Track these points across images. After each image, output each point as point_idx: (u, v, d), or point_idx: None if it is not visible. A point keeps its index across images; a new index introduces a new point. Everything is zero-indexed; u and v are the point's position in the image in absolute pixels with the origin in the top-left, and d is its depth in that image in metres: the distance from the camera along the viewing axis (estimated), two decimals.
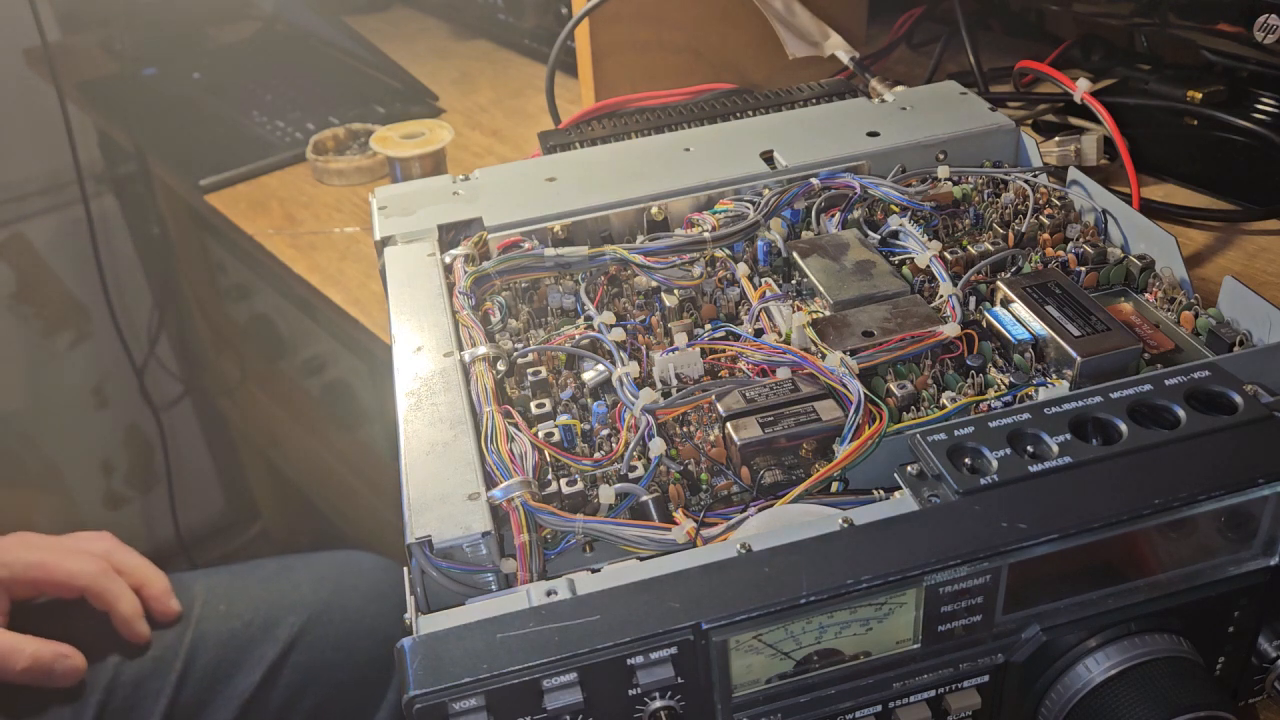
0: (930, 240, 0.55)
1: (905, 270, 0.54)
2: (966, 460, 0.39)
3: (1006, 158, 0.64)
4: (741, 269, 0.55)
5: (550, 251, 0.56)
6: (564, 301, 0.55)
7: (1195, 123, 0.80)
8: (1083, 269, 0.53)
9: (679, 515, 0.42)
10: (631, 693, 0.35)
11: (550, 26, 1.12)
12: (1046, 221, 0.57)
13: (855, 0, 1.00)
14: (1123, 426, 0.40)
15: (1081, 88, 0.69)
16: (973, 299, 0.52)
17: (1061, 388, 0.45)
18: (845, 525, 0.38)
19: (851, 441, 0.42)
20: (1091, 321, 0.48)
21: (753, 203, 0.59)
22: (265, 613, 0.77)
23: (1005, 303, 0.51)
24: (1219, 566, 0.40)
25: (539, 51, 1.14)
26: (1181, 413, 0.40)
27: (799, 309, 0.52)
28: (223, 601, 0.78)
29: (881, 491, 0.42)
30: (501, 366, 0.50)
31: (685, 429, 0.47)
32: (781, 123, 0.68)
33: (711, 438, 0.46)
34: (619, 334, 0.51)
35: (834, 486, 0.42)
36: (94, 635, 0.73)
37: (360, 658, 0.77)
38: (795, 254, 0.55)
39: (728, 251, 0.57)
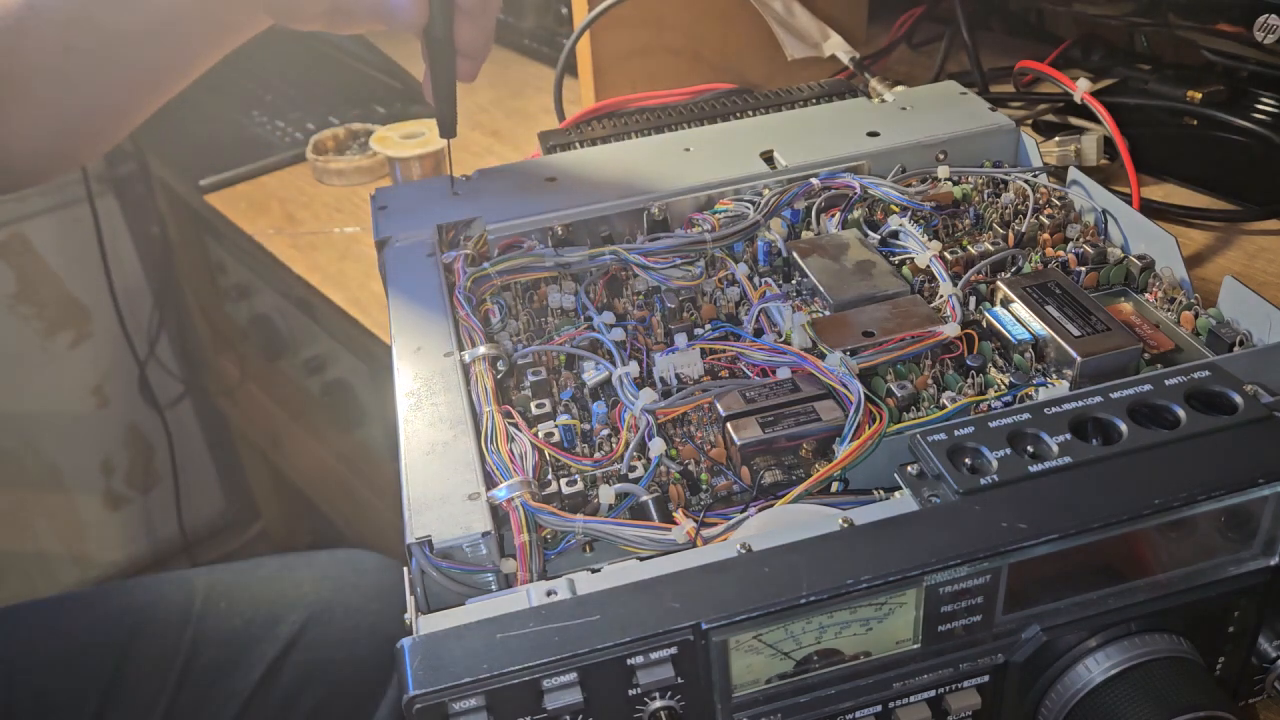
0: (930, 240, 0.55)
1: (905, 270, 0.54)
2: (966, 460, 0.39)
3: (1006, 158, 0.64)
4: (741, 269, 0.55)
5: (550, 251, 0.56)
6: (564, 301, 0.55)
7: (1195, 123, 0.80)
8: (1083, 269, 0.53)
9: (679, 515, 0.42)
10: (631, 693, 0.35)
11: (550, 26, 1.12)
12: (1046, 221, 0.57)
13: (855, 0, 1.00)
14: (1123, 426, 0.40)
15: (1081, 88, 0.69)
16: (973, 299, 0.52)
17: (1061, 388, 0.45)
18: (845, 525, 0.38)
19: (851, 441, 0.42)
20: (1091, 321, 0.48)
21: (753, 203, 0.59)
22: (266, 611, 0.78)
23: (1005, 303, 0.51)
24: (1219, 566, 0.40)
25: (539, 51, 1.14)
26: (1181, 413, 0.40)
27: (799, 309, 0.52)
28: (224, 599, 0.78)
29: (881, 491, 0.42)
30: (501, 366, 0.50)
31: (685, 429, 0.47)
32: (781, 123, 0.68)
33: (711, 438, 0.46)
34: (619, 334, 0.51)
35: (834, 486, 0.42)
36: (95, 630, 0.73)
37: (361, 656, 0.77)
38: (795, 254, 0.55)
39: (728, 251, 0.57)
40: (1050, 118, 0.79)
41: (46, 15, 0.58)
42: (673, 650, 0.35)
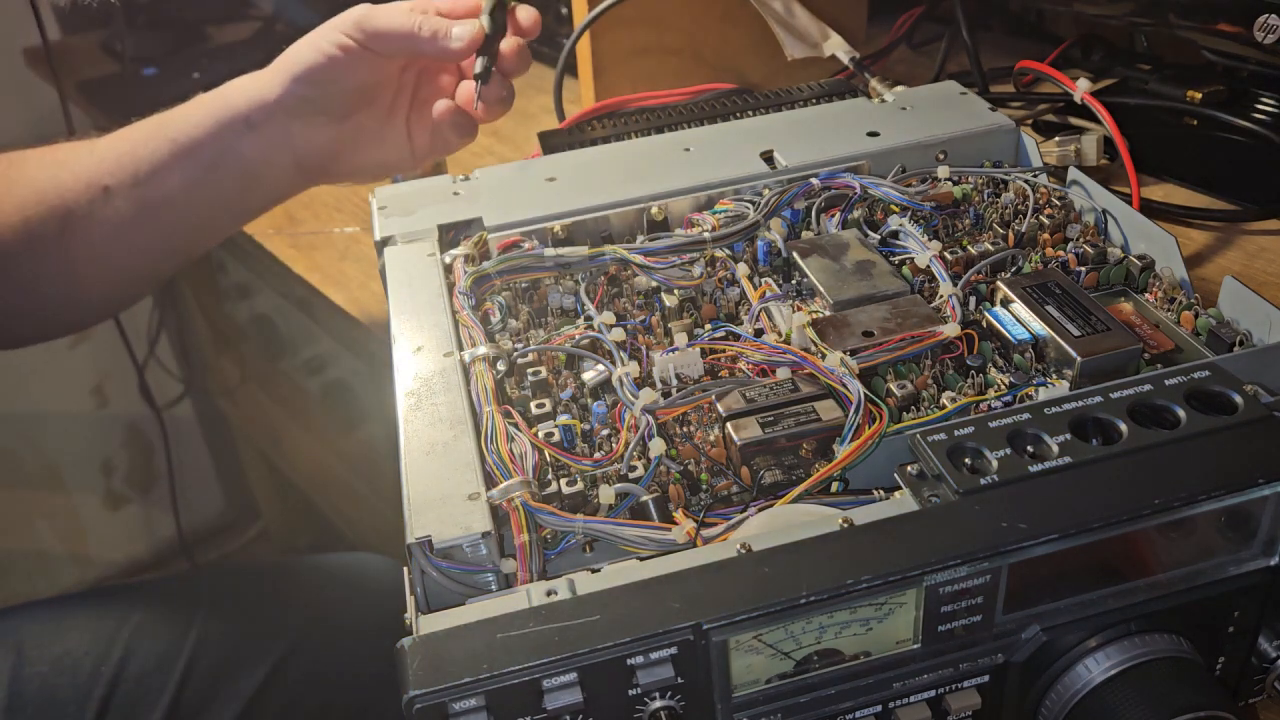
0: (930, 240, 0.55)
1: (905, 270, 0.54)
2: (966, 460, 0.39)
3: (1006, 158, 0.64)
4: (741, 269, 0.55)
5: (550, 251, 0.56)
6: (564, 301, 0.55)
7: (1195, 123, 0.80)
8: (1083, 269, 0.53)
9: (679, 515, 0.42)
10: (631, 693, 0.35)
11: (550, 26, 1.12)
12: (1046, 221, 0.57)
13: (855, 0, 1.00)
14: (1123, 426, 0.40)
15: (1081, 88, 0.69)
16: (973, 299, 0.52)
17: (1061, 388, 0.45)
18: (845, 525, 0.38)
19: (851, 441, 0.42)
20: (1091, 321, 0.48)
21: (753, 203, 0.59)
22: (271, 612, 0.78)
23: (1005, 303, 0.51)
24: (1219, 566, 0.40)
25: (538, 51, 1.14)
26: (1181, 413, 0.40)
27: (799, 309, 0.52)
28: (228, 600, 0.78)
29: (881, 491, 0.42)
30: (501, 366, 0.50)
31: (685, 429, 0.47)
32: (781, 123, 0.68)
33: (711, 438, 0.46)
34: (619, 334, 0.51)
35: (834, 486, 0.42)
36: (95, 632, 0.73)
37: (365, 658, 0.77)
38: (795, 254, 0.55)
39: (728, 251, 0.57)
40: (1050, 118, 0.79)
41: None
42: (673, 650, 0.35)
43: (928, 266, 0.53)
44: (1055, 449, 0.39)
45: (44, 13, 1.20)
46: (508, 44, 0.66)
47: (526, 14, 0.69)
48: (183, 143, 0.65)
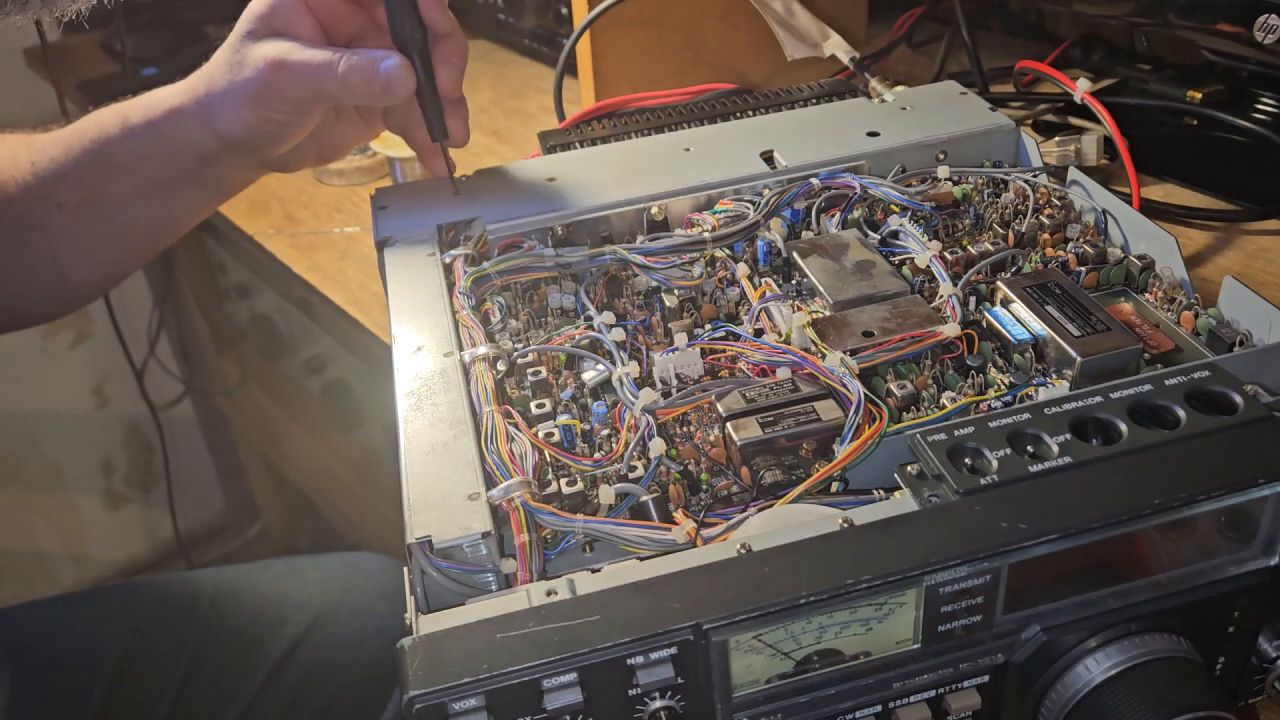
0: (930, 240, 0.55)
1: (905, 270, 0.54)
2: (966, 460, 0.39)
3: (1006, 158, 0.64)
4: (741, 269, 0.55)
5: (550, 251, 0.56)
6: (564, 301, 0.55)
7: (1195, 123, 0.80)
8: (1083, 269, 0.53)
9: (679, 515, 0.42)
10: (631, 693, 0.35)
11: (550, 26, 1.12)
12: (1046, 221, 0.57)
13: (855, 0, 1.00)
14: (1123, 426, 0.40)
15: (1081, 88, 0.69)
16: (973, 299, 0.52)
17: (1061, 388, 0.45)
18: (845, 525, 0.38)
19: (851, 441, 0.42)
20: (1091, 321, 0.48)
21: (753, 203, 0.59)
22: (273, 612, 0.78)
23: (1005, 303, 0.51)
24: (1219, 566, 0.40)
25: (539, 51, 1.14)
26: (1181, 413, 0.40)
27: (799, 309, 0.52)
28: (230, 600, 0.78)
29: (881, 491, 0.42)
30: (501, 366, 0.50)
31: (685, 429, 0.47)
32: (781, 123, 0.68)
33: (711, 438, 0.46)
34: (619, 334, 0.51)
35: (834, 486, 0.42)
36: (95, 632, 0.73)
37: (366, 657, 0.77)
38: (795, 254, 0.55)
39: (728, 251, 0.57)
40: (1050, 118, 0.79)
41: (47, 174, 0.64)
42: (673, 650, 0.35)
43: (928, 266, 0.53)
44: (1055, 449, 0.39)
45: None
46: (440, 65, 0.60)
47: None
48: (142, 177, 0.63)
